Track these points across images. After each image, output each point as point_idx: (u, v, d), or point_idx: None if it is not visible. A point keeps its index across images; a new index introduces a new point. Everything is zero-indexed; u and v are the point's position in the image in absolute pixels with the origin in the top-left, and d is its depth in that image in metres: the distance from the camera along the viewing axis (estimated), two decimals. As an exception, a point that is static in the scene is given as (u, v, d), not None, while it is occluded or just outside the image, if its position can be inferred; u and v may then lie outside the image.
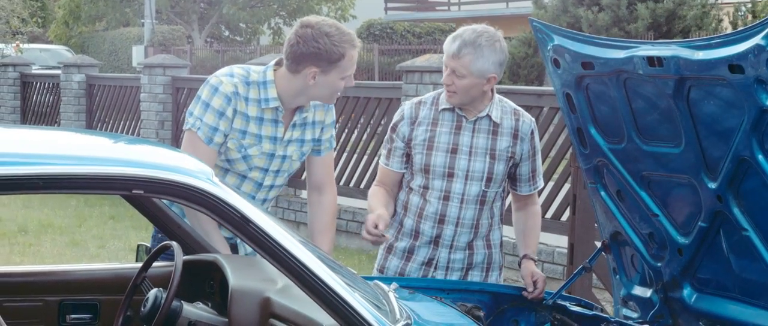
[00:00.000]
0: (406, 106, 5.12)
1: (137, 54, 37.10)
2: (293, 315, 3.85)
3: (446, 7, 40.54)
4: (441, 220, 4.98)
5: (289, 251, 3.49)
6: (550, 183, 10.00)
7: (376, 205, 4.94)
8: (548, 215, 9.91)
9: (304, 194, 13.38)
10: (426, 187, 4.98)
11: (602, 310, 4.88)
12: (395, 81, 15.04)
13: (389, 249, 5.06)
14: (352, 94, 12.28)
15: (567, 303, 4.68)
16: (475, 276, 5.05)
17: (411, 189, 5.03)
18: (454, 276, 5.01)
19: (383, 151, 5.16)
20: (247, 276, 4.20)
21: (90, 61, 18.91)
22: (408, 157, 5.05)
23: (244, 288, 4.09)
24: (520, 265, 5.03)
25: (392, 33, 40.80)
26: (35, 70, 22.35)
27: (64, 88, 18.30)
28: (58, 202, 14.36)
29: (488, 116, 4.98)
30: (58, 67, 19.62)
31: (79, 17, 44.45)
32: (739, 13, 23.28)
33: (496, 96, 5.03)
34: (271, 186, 4.95)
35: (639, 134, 4.10)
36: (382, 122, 12.08)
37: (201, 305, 4.33)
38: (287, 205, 13.16)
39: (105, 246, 11.55)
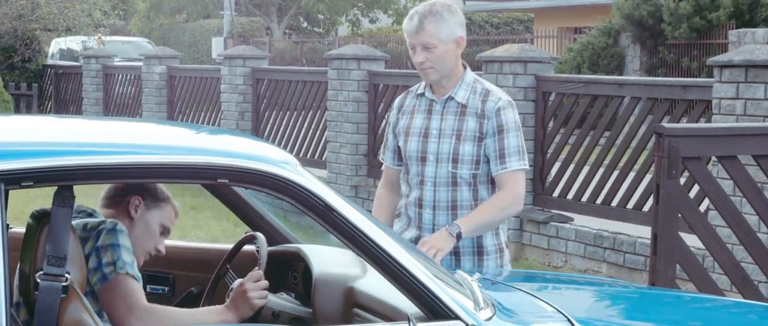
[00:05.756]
0: (399, 97, 5.19)
1: (216, 46, 37.33)
2: (377, 304, 3.86)
3: (525, -3, 40.30)
4: (419, 204, 4.97)
5: (373, 240, 3.49)
6: (631, 174, 9.93)
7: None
8: (629, 205, 9.84)
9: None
10: (407, 173, 5.02)
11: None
12: (475, 71, 15.00)
13: None
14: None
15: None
16: (466, 262, 4.96)
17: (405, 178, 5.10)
18: (445, 262, 4.89)
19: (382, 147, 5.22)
20: (330, 265, 4.21)
21: (171, 53, 19.06)
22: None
23: (327, 278, 4.10)
24: None
25: (470, 24, 40.74)
26: (117, 62, 22.58)
27: (146, 80, 18.47)
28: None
29: (454, 98, 4.97)
30: (140, 59, 19.81)
31: (161, 9, 44.84)
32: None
33: (471, 75, 5.02)
34: None
35: None
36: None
37: (284, 295, 4.36)
38: (367, 195, 13.18)
39: (186, 236, 11.64)
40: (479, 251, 4.98)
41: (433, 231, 4.91)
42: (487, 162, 4.92)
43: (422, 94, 5.05)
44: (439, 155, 4.91)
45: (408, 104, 5.08)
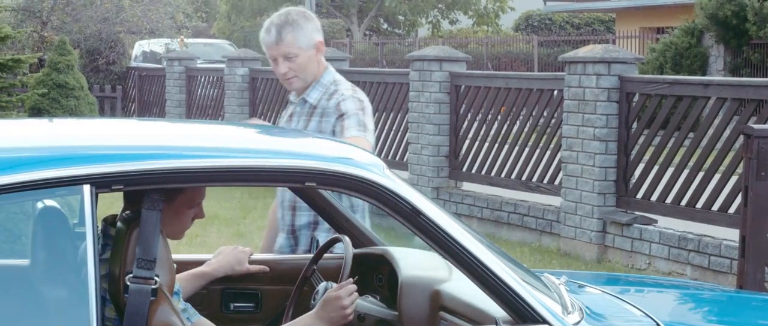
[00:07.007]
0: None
1: (297, 47, 37.42)
2: (463, 307, 3.84)
3: (606, -3, 39.97)
4: (281, 205, 5.14)
5: (461, 243, 3.48)
6: (717, 175, 9.81)
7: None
8: (715, 207, 9.72)
9: (465, 186, 13.37)
10: None
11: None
12: (555, 72, 14.92)
13: None
14: (513, 86, 12.23)
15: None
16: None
17: None
18: (286, 244, 5.12)
19: None
20: (417, 268, 4.20)
21: (253, 55, 19.16)
22: None
23: (413, 281, 4.09)
24: None
25: (551, 24, 40.54)
26: (200, 64, 22.77)
27: (228, 82, 18.59)
28: (222, 194, 14.58)
29: (307, 100, 5.07)
30: (222, 61, 19.94)
31: (242, 11, 45.13)
32: None
33: (330, 77, 5.12)
34: None
35: None
36: (544, 114, 12.00)
37: (370, 298, 4.35)
38: (448, 197, 13.16)
39: (269, 237, 11.69)
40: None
41: (286, 231, 5.10)
42: None
43: (289, 100, 5.25)
44: None
45: (286, 111, 5.24)
